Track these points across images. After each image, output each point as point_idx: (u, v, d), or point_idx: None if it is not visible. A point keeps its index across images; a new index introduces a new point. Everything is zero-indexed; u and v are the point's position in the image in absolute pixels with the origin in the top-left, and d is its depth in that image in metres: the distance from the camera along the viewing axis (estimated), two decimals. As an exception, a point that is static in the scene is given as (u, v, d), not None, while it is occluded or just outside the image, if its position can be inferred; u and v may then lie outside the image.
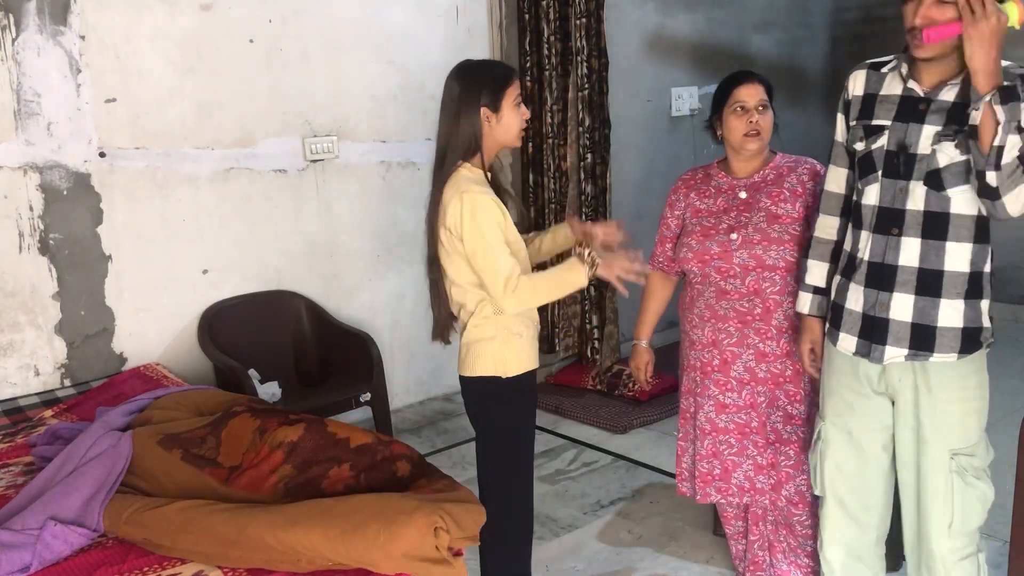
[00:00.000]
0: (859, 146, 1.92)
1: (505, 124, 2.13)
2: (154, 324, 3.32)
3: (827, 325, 2.05)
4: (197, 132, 3.35)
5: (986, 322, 1.87)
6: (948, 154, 1.78)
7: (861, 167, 1.93)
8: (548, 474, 3.42)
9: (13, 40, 2.93)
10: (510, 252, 2.06)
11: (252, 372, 3.17)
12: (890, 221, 1.85)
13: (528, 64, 4.09)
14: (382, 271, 3.95)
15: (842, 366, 2.00)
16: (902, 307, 1.85)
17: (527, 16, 4.06)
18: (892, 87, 1.89)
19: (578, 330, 4.35)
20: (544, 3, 4.04)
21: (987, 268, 1.85)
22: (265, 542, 1.79)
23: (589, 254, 2.09)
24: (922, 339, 1.85)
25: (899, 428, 1.95)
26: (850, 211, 2.00)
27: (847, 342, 1.96)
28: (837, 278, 2.01)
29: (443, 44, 4.00)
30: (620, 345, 4.37)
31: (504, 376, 2.14)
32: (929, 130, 1.80)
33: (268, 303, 3.58)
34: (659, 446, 3.61)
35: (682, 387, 2.49)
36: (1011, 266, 4.88)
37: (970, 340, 1.85)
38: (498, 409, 2.20)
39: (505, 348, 2.13)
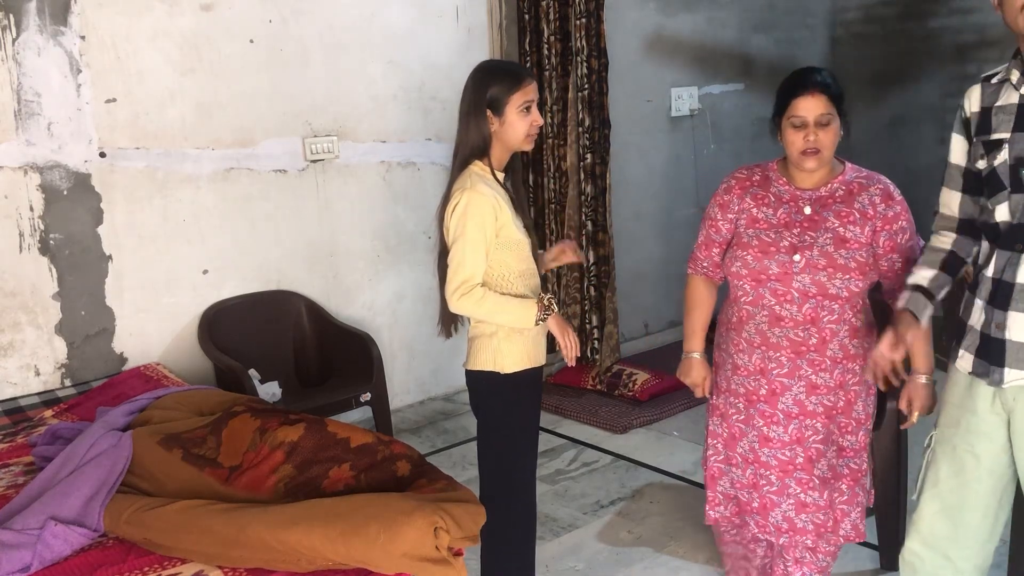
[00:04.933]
0: (981, 164, 1.79)
1: (509, 128, 2.15)
2: (154, 324, 3.32)
3: (952, 341, 1.92)
4: (197, 132, 3.35)
5: None
6: None
7: (988, 185, 1.79)
8: (548, 474, 3.42)
9: (13, 40, 2.93)
10: (485, 254, 2.12)
11: (252, 372, 3.18)
12: (1016, 237, 1.73)
13: (528, 64, 4.09)
14: (382, 271, 3.95)
15: (958, 380, 1.89)
16: (1019, 326, 1.73)
17: (527, 16, 4.07)
18: (1008, 97, 1.75)
19: (578, 330, 4.35)
20: (544, 3, 4.04)
21: None
22: (265, 542, 1.79)
23: (548, 299, 2.15)
24: None
25: (1017, 451, 1.82)
26: (964, 230, 1.89)
27: (965, 361, 1.85)
28: (965, 294, 1.89)
29: (443, 44, 4.00)
30: (620, 345, 4.37)
31: (502, 372, 2.17)
32: None
33: (268, 303, 3.58)
34: (659, 446, 3.61)
35: (717, 404, 2.29)
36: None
37: None
38: (495, 404, 2.24)
39: (505, 344, 2.17)
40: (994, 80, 1.81)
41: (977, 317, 1.82)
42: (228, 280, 3.49)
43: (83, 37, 3.06)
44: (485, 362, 2.20)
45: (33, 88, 2.99)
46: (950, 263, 1.91)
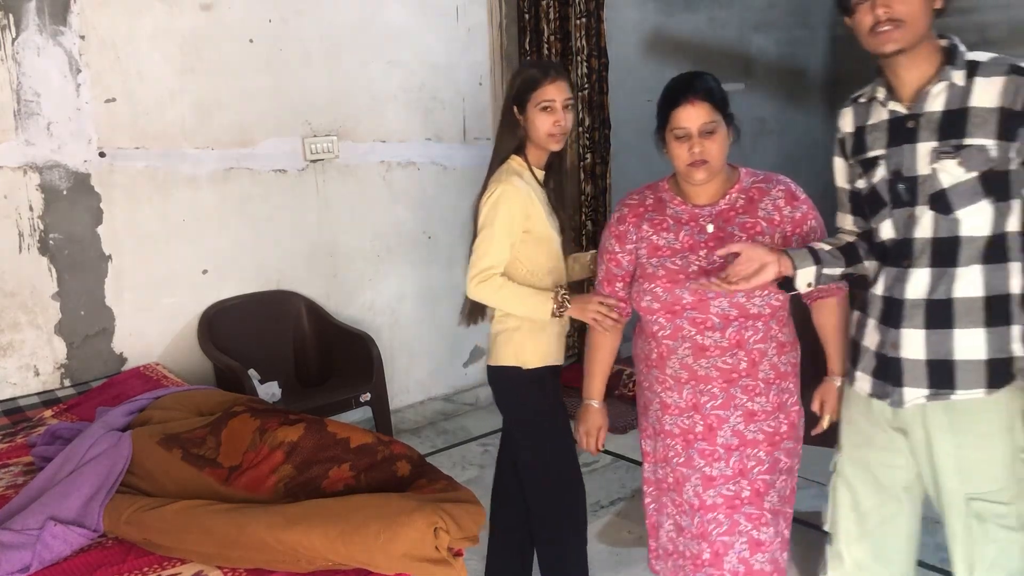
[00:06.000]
0: (861, 183, 1.79)
1: (531, 126, 2.18)
2: (154, 324, 3.32)
3: (849, 363, 1.89)
4: (197, 132, 3.35)
5: (1020, 350, 1.67)
6: (951, 173, 1.63)
7: (870, 203, 1.78)
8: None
9: (13, 40, 2.93)
10: (509, 246, 2.14)
11: (252, 372, 3.17)
12: (901, 253, 1.71)
13: (528, 64, 4.09)
14: (382, 271, 3.95)
15: (858, 400, 1.86)
16: (912, 344, 1.70)
17: (527, 16, 4.07)
18: (878, 115, 1.75)
19: (579, 330, 4.35)
20: (544, 3, 4.05)
21: (1015, 289, 1.66)
22: (265, 542, 1.79)
23: (562, 295, 2.13)
24: (941, 376, 1.69)
25: (921, 469, 1.80)
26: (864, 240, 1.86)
27: (863, 382, 1.82)
28: (856, 313, 1.87)
29: (443, 44, 4.00)
30: (620, 345, 4.36)
31: (524, 367, 2.20)
32: (924, 148, 1.66)
33: (268, 303, 3.58)
34: (659, 446, 3.61)
35: (650, 450, 2.14)
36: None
37: (998, 373, 1.67)
38: (518, 399, 2.27)
39: (528, 339, 2.20)
40: (861, 100, 1.81)
41: (871, 338, 1.78)
42: (228, 280, 3.49)
43: (83, 37, 3.06)
44: (507, 357, 2.22)
45: (33, 88, 2.98)
46: (848, 249, 1.84)
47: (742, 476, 1.96)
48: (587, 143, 4.15)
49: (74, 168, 3.09)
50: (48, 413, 2.88)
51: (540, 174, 2.25)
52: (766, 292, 1.87)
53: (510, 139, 2.22)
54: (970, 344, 1.66)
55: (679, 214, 1.95)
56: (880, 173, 1.73)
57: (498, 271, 2.14)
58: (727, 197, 1.93)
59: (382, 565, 1.77)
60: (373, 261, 3.92)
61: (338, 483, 2.03)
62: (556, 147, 2.22)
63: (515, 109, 2.19)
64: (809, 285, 1.80)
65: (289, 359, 3.60)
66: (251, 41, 3.44)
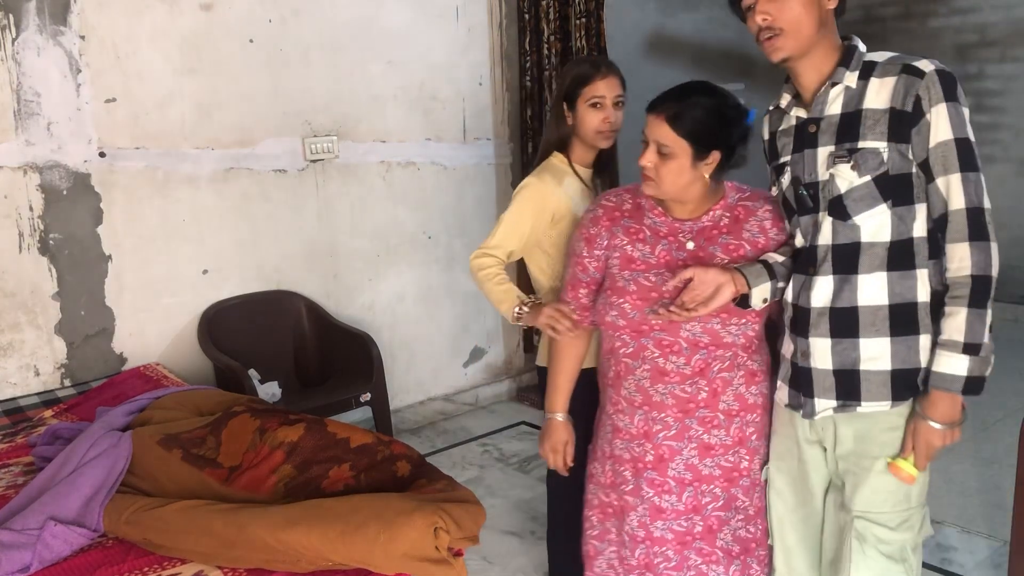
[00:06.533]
0: (774, 190, 1.77)
1: (579, 123, 2.17)
2: (154, 324, 3.32)
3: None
4: (197, 132, 3.35)
5: (927, 362, 1.59)
6: (846, 178, 1.58)
7: (785, 211, 1.75)
8: (544, 475, 3.41)
9: (13, 40, 2.93)
10: (519, 237, 2.14)
11: (252, 372, 3.18)
12: (808, 260, 1.67)
13: (528, 64, 4.09)
14: (382, 271, 3.95)
15: (781, 411, 1.82)
16: (820, 353, 1.65)
17: (527, 16, 4.07)
18: (787, 121, 1.72)
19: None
20: (544, 3, 4.05)
21: (922, 298, 1.59)
22: (265, 542, 1.79)
23: (519, 313, 2.03)
24: (848, 387, 1.64)
25: (834, 477, 1.76)
26: None
27: (782, 392, 1.78)
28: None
29: (443, 44, 4.00)
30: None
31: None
32: (822, 153, 1.62)
33: (268, 303, 3.58)
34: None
35: (597, 473, 1.94)
36: (1010, 266, 4.89)
37: (903, 384, 1.61)
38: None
39: (550, 340, 2.17)
40: (771, 107, 1.79)
41: (788, 346, 1.74)
42: (228, 280, 3.49)
43: (83, 37, 3.06)
44: (541, 357, 2.25)
45: (33, 88, 2.98)
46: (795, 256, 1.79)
47: (695, 512, 1.82)
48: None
49: (74, 168, 3.09)
50: (48, 413, 2.88)
51: (585, 172, 2.23)
52: (743, 321, 1.74)
53: (554, 135, 2.22)
54: (875, 354, 1.61)
55: (658, 225, 1.80)
56: (787, 179, 1.71)
57: (497, 255, 2.14)
58: (711, 213, 1.79)
59: (382, 565, 1.77)
60: (373, 261, 3.92)
61: (338, 483, 2.02)
62: (605, 144, 2.19)
63: (564, 105, 2.17)
64: (765, 301, 1.72)
65: (289, 359, 3.60)
66: (251, 41, 3.44)
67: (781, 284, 1.73)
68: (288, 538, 1.78)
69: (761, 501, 1.88)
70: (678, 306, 1.67)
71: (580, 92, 2.14)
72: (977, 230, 1.52)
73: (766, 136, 1.80)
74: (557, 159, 2.21)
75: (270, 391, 3.23)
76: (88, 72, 3.08)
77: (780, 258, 1.75)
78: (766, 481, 1.86)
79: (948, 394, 1.55)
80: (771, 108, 1.79)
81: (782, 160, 1.72)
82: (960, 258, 1.53)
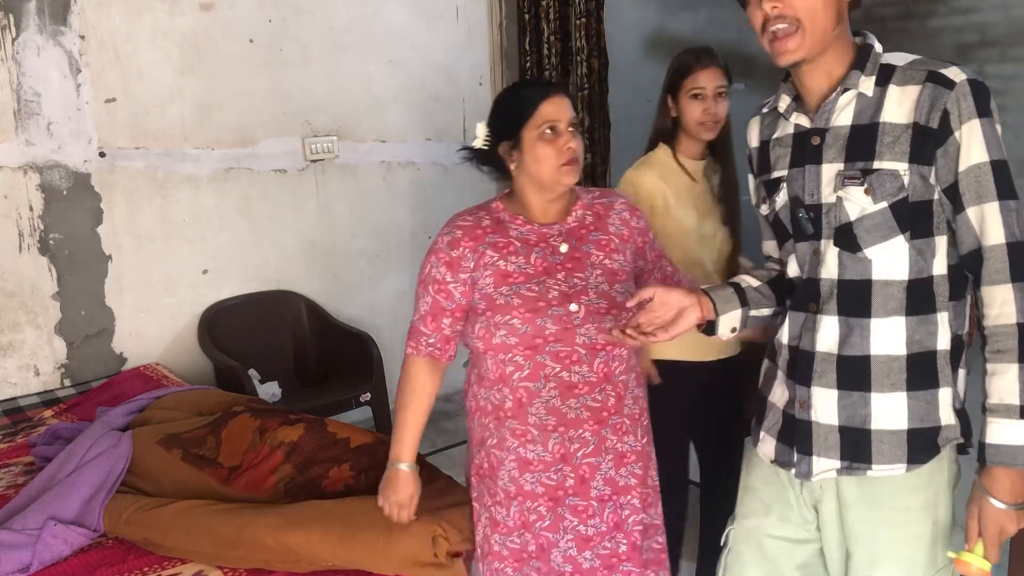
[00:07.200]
0: (764, 209, 1.53)
1: (683, 114, 2.17)
2: (154, 324, 3.32)
3: (754, 418, 1.59)
4: (197, 132, 3.35)
5: (948, 418, 1.37)
6: (858, 203, 1.34)
7: (776, 233, 1.52)
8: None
9: (13, 40, 2.93)
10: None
11: (252, 372, 3.17)
12: (808, 295, 1.43)
13: (528, 64, 4.09)
14: (382, 271, 3.95)
15: (761, 465, 1.57)
16: (823, 405, 1.41)
17: (527, 16, 4.07)
18: (783, 128, 1.47)
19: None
20: (544, 3, 4.05)
21: (942, 345, 1.36)
22: (265, 543, 1.79)
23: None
24: (856, 447, 1.39)
25: (826, 547, 1.51)
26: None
27: (767, 445, 1.51)
28: (765, 362, 1.58)
29: (443, 44, 4.00)
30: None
31: (654, 357, 2.15)
32: (829, 171, 1.37)
33: (268, 303, 3.58)
34: (659, 446, 3.60)
35: (501, 519, 1.74)
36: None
37: (921, 445, 1.37)
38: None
39: None
40: (765, 110, 1.55)
41: (779, 393, 1.49)
42: (228, 280, 3.49)
43: (83, 37, 3.06)
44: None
45: (33, 88, 2.98)
46: (778, 284, 1.56)
47: (617, 529, 1.72)
48: (587, 143, 4.15)
49: (74, 168, 3.09)
50: (48, 413, 2.88)
51: (692, 164, 2.20)
52: (627, 314, 1.59)
53: (659, 127, 2.23)
54: (889, 411, 1.37)
55: (525, 235, 1.70)
56: (782, 198, 1.46)
57: None
58: (573, 214, 1.73)
59: (381, 567, 1.77)
60: (373, 261, 3.92)
61: (338, 483, 2.03)
62: (708, 136, 2.17)
63: (668, 97, 2.18)
64: (733, 330, 1.53)
65: (289, 359, 3.60)
66: (251, 41, 3.44)
67: (753, 312, 1.54)
68: (287, 539, 1.78)
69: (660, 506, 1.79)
70: (634, 328, 1.47)
71: (681, 84, 2.15)
72: (1022, 269, 1.27)
73: (755, 143, 1.56)
74: (661, 151, 2.22)
75: (270, 391, 3.23)
76: (88, 72, 3.08)
77: (755, 283, 1.57)
78: (724, 544, 1.63)
79: (1013, 469, 1.29)
80: (763, 110, 1.56)
81: (776, 175, 1.48)
82: (1002, 303, 1.28)
